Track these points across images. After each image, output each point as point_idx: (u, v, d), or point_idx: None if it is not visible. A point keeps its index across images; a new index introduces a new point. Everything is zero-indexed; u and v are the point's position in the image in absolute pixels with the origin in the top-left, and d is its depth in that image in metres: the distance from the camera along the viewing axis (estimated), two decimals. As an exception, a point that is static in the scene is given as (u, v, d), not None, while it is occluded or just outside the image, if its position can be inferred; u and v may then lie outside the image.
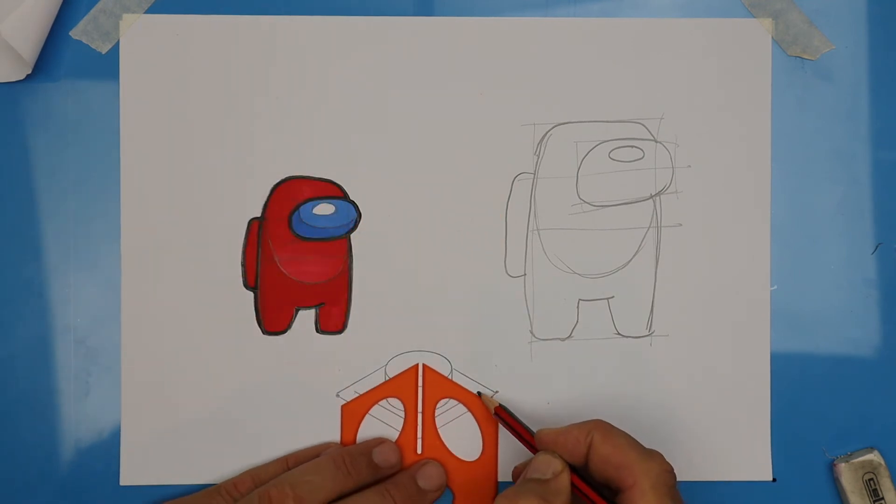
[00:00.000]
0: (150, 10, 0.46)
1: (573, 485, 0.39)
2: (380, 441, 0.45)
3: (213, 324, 0.46)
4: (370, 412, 0.46)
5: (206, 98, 0.46)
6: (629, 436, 0.40)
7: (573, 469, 0.40)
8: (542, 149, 0.46)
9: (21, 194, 0.46)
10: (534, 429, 0.43)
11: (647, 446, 0.45)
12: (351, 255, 0.46)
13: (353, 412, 0.46)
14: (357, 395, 0.46)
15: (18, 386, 0.46)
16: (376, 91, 0.46)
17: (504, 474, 0.46)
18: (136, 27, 0.46)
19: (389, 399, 0.46)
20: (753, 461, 0.46)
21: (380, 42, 0.46)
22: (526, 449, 0.43)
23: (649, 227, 0.46)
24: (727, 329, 0.46)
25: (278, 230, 0.46)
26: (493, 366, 0.46)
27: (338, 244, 0.46)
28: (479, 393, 0.46)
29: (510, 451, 0.46)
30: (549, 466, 0.40)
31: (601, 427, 0.40)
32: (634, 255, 0.46)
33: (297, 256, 0.46)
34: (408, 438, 0.46)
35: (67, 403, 0.46)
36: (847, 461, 0.46)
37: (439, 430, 0.46)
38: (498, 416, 0.44)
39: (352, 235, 0.46)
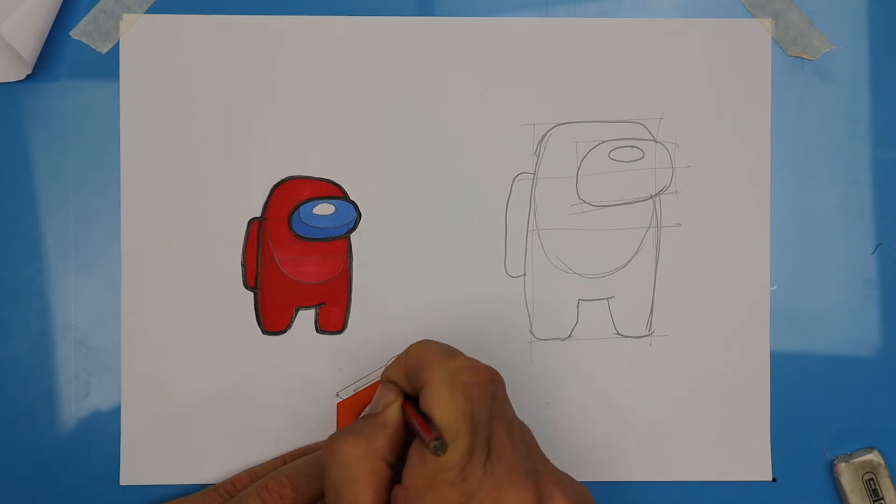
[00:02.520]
0: (150, 10, 0.46)
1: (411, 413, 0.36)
2: None
3: (213, 324, 0.46)
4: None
5: (206, 98, 0.46)
6: (446, 344, 0.37)
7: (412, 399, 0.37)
8: (542, 149, 0.46)
9: (21, 194, 0.46)
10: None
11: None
12: (351, 255, 0.46)
13: (349, 409, 0.46)
14: (356, 392, 0.46)
15: (18, 386, 0.46)
16: (376, 91, 0.46)
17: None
18: (136, 27, 0.46)
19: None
20: (753, 461, 0.46)
21: (380, 42, 0.46)
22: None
23: (649, 227, 0.46)
24: (727, 329, 0.46)
25: (278, 230, 0.46)
26: (492, 366, 0.46)
27: (338, 244, 0.46)
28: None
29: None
30: (382, 399, 0.37)
31: (418, 342, 0.37)
32: (634, 255, 0.46)
33: (297, 256, 0.46)
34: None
35: (67, 403, 0.46)
36: (847, 461, 0.46)
37: None
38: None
39: (352, 235, 0.46)
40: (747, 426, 0.46)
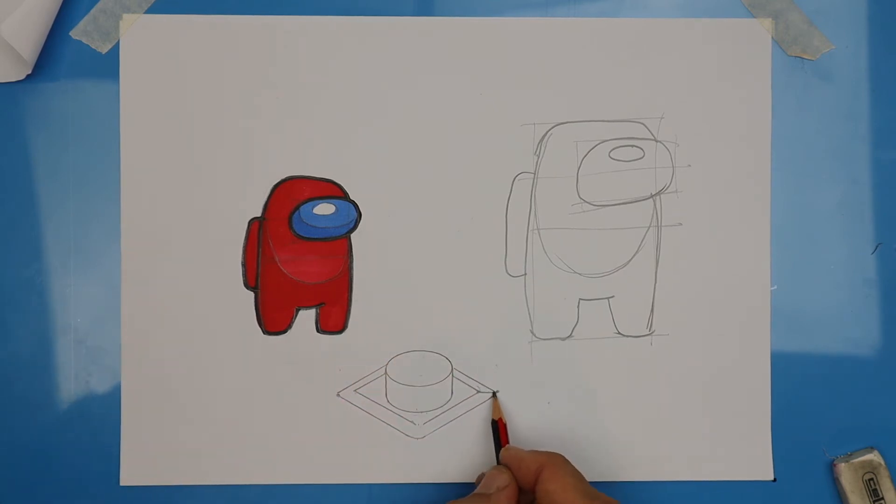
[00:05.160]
0: (150, 10, 0.46)
1: None
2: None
3: (213, 324, 0.46)
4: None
5: (206, 98, 0.46)
6: (579, 476, 0.40)
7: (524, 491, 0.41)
8: (542, 148, 0.46)
9: (21, 194, 0.46)
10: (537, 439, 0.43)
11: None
12: (351, 255, 0.46)
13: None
14: (357, 393, 0.46)
15: (18, 386, 0.46)
16: (376, 91, 0.46)
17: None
18: (136, 27, 0.46)
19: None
20: (753, 461, 0.46)
21: (380, 42, 0.46)
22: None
23: (649, 226, 0.46)
24: (727, 329, 0.46)
25: (278, 230, 0.46)
26: (493, 366, 0.46)
27: (338, 244, 0.46)
28: (494, 394, 0.46)
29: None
30: (495, 482, 0.41)
31: (554, 462, 0.40)
32: (634, 255, 0.46)
33: (298, 256, 0.46)
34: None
35: (67, 403, 0.46)
36: (847, 461, 0.46)
37: None
38: (493, 427, 0.45)
39: (352, 235, 0.46)
40: (747, 426, 0.46)
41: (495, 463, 0.44)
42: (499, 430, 0.44)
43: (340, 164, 0.46)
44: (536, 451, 0.42)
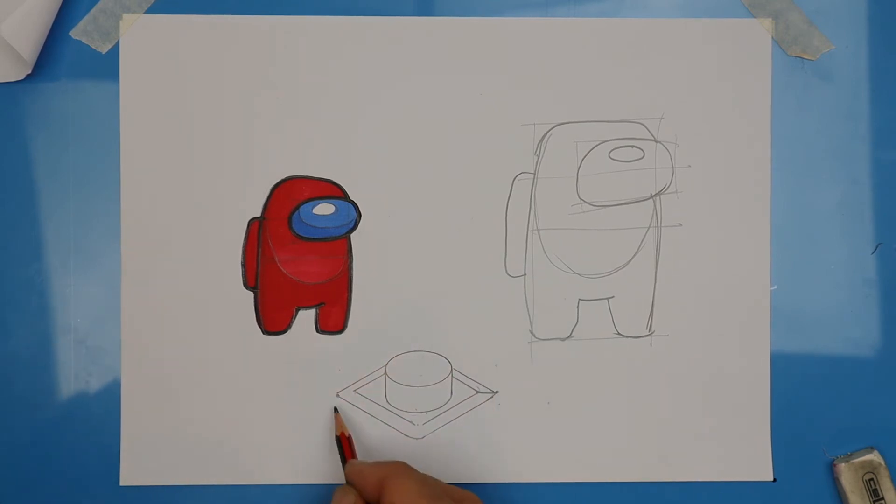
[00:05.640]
0: (150, 10, 0.46)
1: None
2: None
3: (213, 324, 0.46)
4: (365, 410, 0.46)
5: (206, 98, 0.46)
6: (423, 479, 0.39)
7: None
8: (542, 149, 0.46)
9: (21, 194, 0.46)
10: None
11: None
12: (351, 255, 0.46)
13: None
14: (356, 393, 0.46)
15: (18, 386, 0.46)
16: (376, 91, 0.46)
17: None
18: (136, 27, 0.46)
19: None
20: (753, 461, 0.46)
21: (380, 42, 0.46)
22: None
23: (649, 227, 0.46)
24: (727, 329, 0.46)
25: (278, 230, 0.46)
26: (493, 366, 0.46)
27: (338, 244, 0.46)
28: (335, 409, 0.45)
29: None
30: (341, 502, 0.40)
31: (397, 471, 0.39)
32: (634, 255, 0.46)
33: (297, 256, 0.46)
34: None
35: (67, 403, 0.46)
36: (847, 461, 0.46)
37: None
38: (338, 442, 0.44)
39: (352, 235, 0.46)
40: (747, 426, 0.46)
41: (402, 474, 0.41)
42: (342, 445, 0.44)
43: (340, 164, 0.46)
44: (379, 463, 0.40)
